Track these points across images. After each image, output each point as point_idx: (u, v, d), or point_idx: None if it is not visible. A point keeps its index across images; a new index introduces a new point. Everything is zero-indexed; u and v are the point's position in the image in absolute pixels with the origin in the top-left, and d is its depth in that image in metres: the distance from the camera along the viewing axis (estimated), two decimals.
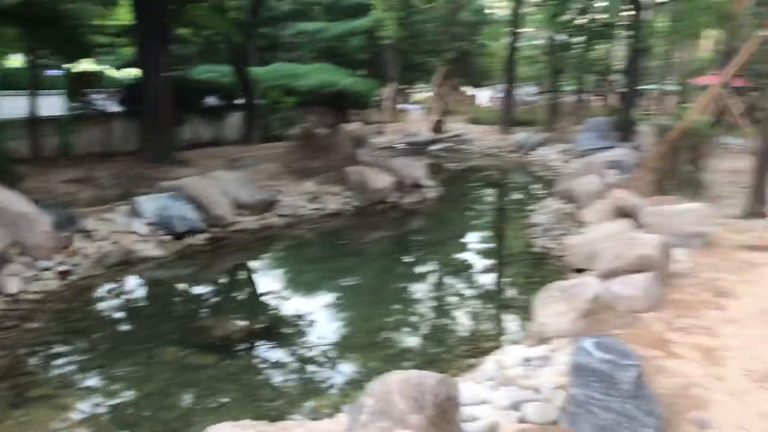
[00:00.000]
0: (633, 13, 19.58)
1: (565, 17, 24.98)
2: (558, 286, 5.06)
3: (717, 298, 5.57)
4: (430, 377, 2.68)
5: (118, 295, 7.45)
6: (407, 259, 10.02)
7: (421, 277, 8.96)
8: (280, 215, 10.74)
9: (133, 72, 18.37)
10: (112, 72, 20.44)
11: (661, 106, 29.75)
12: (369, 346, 6.11)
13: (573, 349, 3.56)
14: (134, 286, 7.80)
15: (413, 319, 7.04)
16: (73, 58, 13.95)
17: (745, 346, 4.58)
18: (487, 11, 43.21)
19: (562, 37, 26.72)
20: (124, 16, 17.66)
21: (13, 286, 6.62)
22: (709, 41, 24.44)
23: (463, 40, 32.88)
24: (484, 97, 47.38)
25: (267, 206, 10.59)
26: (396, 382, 2.62)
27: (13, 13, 11.79)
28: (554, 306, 4.82)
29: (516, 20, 26.12)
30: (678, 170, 11.04)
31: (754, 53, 9.75)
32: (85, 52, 14.34)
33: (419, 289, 8.27)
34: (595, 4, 24.72)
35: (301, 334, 6.45)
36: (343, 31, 34.05)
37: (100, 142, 14.42)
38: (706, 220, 7.57)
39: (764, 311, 5.27)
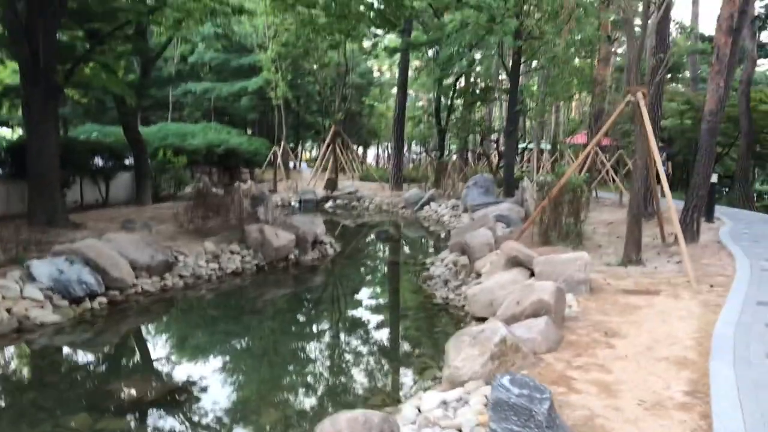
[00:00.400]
0: (510, 78, 21.05)
1: (449, 81, 26.49)
2: (468, 332, 5.38)
3: (607, 338, 6.11)
4: (375, 415, 2.88)
5: (15, 364, 7.10)
6: (309, 316, 10.13)
7: (324, 333, 9.09)
8: (180, 276, 10.59)
9: (8, 132, 17.73)
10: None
11: (538, 164, 31.79)
12: (276, 405, 6.17)
13: (491, 387, 3.86)
14: (32, 353, 7.43)
15: (319, 375, 7.15)
16: None
17: (635, 379, 5.06)
18: (374, 74, 44.91)
19: (445, 100, 28.23)
20: (3, 74, 17.08)
21: None
22: (579, 104, 26.63)
23: (351, 100, 33.94)
24: (373, 155, 48.72)
25: (166, 267, 10.42)
26: (345, 420, 2.80)
27: None
28: (466, 350, 5.13)
29: (404, 83, 27.31)
30: (560, 222, 11.93)
31: (621, 115, 10.83)
32: None
33: (323, 346, 8.40)
34: (476, 69, 26.33)
35: (205, 397, 6.39)
36: (231, 91, 34.22)
37: None
38: (589, 268, 8.25)
39: (649, 348, 5.84)
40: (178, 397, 6.28)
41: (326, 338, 8.78)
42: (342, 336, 8.83)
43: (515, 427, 3.66)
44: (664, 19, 13.55)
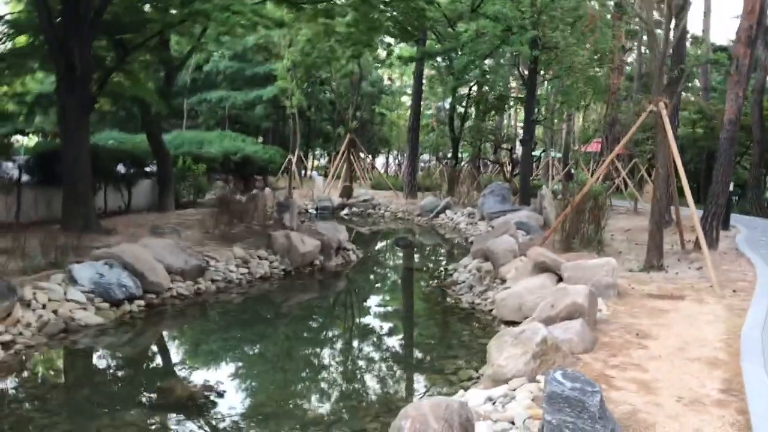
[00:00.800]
0: (527, 87, 21.32)
1: (463, 91, 26.80)
2: (509, 332, 5.63)
3: (639, 340, 6.35)
4: (454, 402, 3.14)
5: (67, 363, 7.40)
6: (338, 320, 10.39)
7: (354, 336, 9.33)
8: (212, 280, 10.86)
9: (38, 140, 18.14)
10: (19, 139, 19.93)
11: (552, 172, 32.05)
12: (310, 403, 6.46)
13: (545, 380, 4.11)
14: (81, 353, 7.72)
15: (353, 376, 7.37)
16: None
17: (671, 378, 5.30)
18: (384, 82, 45.28)
19: (459, 109, 28.53)
20: (33, 84, 17.44)
21: None
22: (593, 112, 26.93)
23: (364, 109, 34.34)
24: (381, 163, 49.09)
25: (199, 272, 10.69)
26: (428, 406, 3.05)
27: None
28: (509, 350, 5.38)
29: (418, 92, 27.64)
30: (581, 229, 12.17)
31: (641, 125, 11.08)
32: None
33: (354, 349, 8.63)
34: (490, 78, 26.60)
35: (245, 396, 6.67)
36: (246, 99, 34.64)
37: (10, 212, 13.98)
38: (616, 273, 8.50)
39: (680, 349, 6.08)
40: (219, 395, 6.50)
41: (357, 342, 9.03)
42: (372, 339, 9.08)
43: (569, 418, 3.90)
44: (682, 31, 13.82)
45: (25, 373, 6.81)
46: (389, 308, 11.13)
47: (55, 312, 8.12)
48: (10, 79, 14.77)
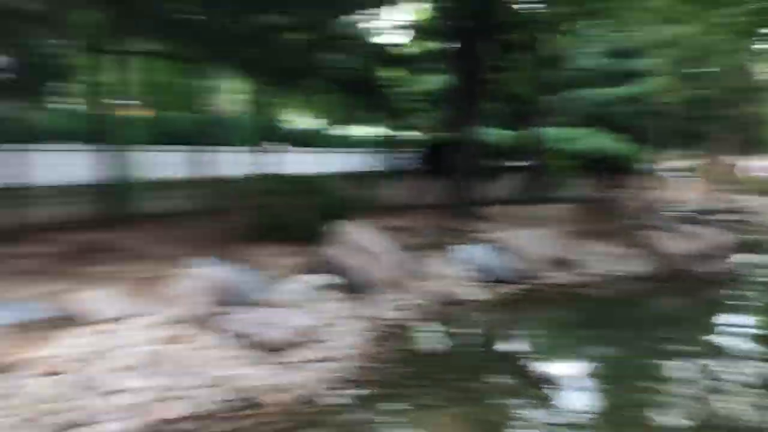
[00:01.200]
0: None
1: None
2: None
3: None
4: None
5: (454, 329, 8.56)
6: (705, 333, 9.28)
7: (725, 355, 8.13)
8: (579, 273, 11.23)
9: (425, 134, 20.43)
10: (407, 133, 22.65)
11: None
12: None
13: None
14: (469, 322, 8.83)
15: (719, 396, 6.77)
16: (388, 121, 16.06)
17: None
18: (760, 77, 40.28)
19: None
20: (425, 84, 19.74)
21: (383, 311, 8.01)
22: None
23: (740, 106, 31.11)
24: (758, 167, 43.87)
25: (568, 264, 11.18)
26: None
27: (337, 81, 14.11)
28: None
29: None
30: None
31: None
32: (398, 115, 16.41)
33: (724, 369, 7.66)
34: None
35: (593, 394, 6.80)
36: (614, 96, 33.81)
37: (406, 196, 16.25)
38: None
39: None
40: (567, 388, 6.67)
41: (726, 362, 8.03)
42: (745, 361, 8.13)
43: None
44: None
45: (424, 335, 8.13)
46: None
47: (443, 284, 9.39)
48: (416, 79, 17.17)
